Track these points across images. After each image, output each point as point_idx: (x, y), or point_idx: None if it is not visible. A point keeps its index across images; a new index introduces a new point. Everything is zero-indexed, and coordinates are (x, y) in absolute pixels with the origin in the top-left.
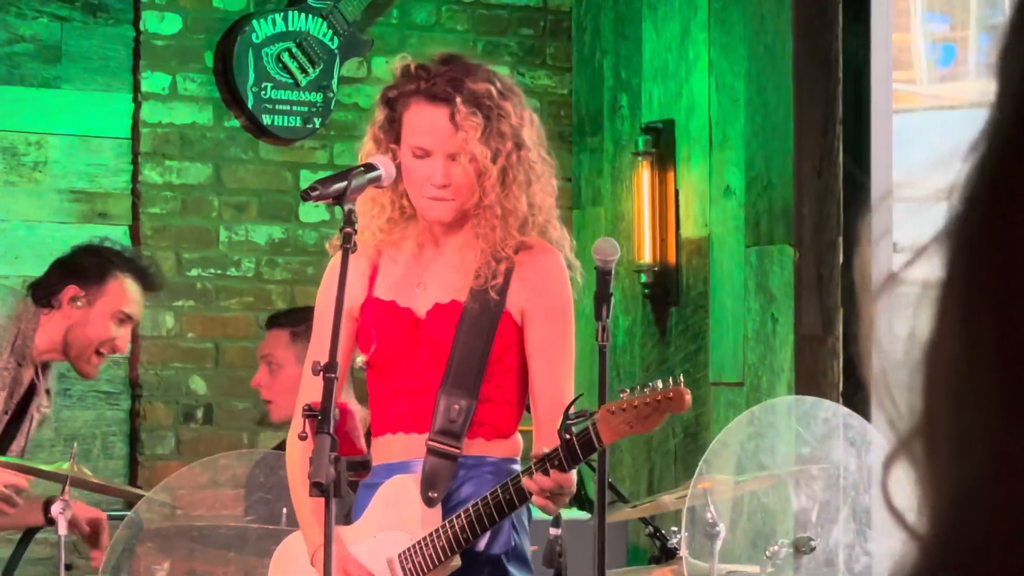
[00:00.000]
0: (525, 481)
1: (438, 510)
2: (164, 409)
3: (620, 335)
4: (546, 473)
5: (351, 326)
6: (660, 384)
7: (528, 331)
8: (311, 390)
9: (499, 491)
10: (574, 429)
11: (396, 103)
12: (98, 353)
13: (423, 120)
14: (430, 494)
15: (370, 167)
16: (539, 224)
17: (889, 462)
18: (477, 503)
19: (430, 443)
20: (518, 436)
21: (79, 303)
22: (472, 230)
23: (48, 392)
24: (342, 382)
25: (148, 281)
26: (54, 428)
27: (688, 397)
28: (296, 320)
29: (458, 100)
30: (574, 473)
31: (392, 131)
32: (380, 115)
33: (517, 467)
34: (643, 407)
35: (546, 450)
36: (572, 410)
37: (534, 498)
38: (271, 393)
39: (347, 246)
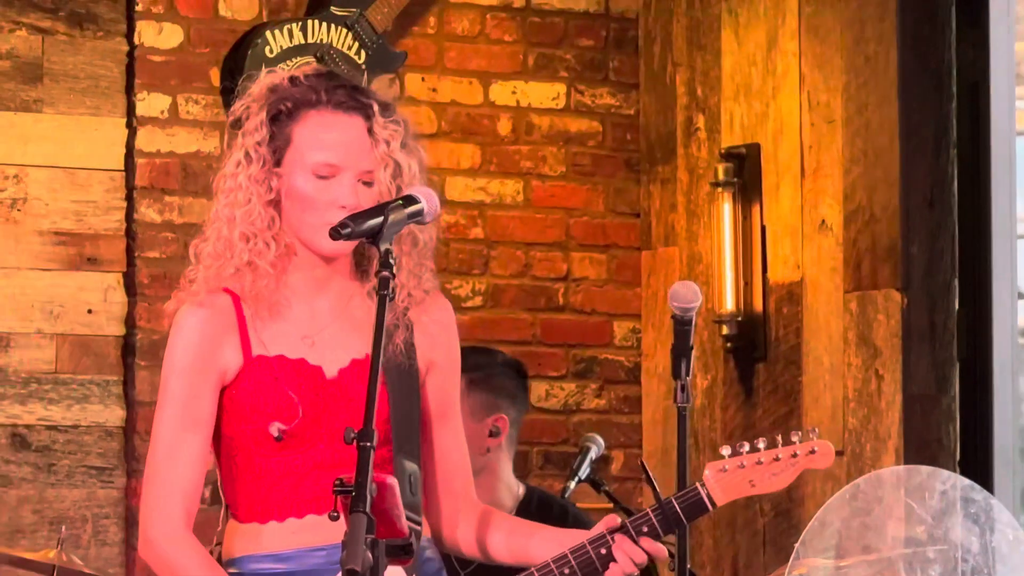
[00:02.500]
0: (616, 548)
1: None
2: None
3: (698, 395)
4: (634, 540)
5: (217, 393)
6: (794, 437)
7: (435, 388)
8: (181, 485)
9: (572, 559)
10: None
11: (285, 118)
12: None
13: (331, 131)
14: None
15: (410, 200)
16: (429, 266)
17: None
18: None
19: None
20: None
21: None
22: (356, 267)
23: None
24: (205, 465)
25: None
26: (36, 510)
27: (833, 451)
28: (473, 365)
29: (375, 107)
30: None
31: (276, 153)
32: (262, 132)
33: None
34: (772, 463)
35: (621, 518)
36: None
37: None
38: None
39: (384, 292)
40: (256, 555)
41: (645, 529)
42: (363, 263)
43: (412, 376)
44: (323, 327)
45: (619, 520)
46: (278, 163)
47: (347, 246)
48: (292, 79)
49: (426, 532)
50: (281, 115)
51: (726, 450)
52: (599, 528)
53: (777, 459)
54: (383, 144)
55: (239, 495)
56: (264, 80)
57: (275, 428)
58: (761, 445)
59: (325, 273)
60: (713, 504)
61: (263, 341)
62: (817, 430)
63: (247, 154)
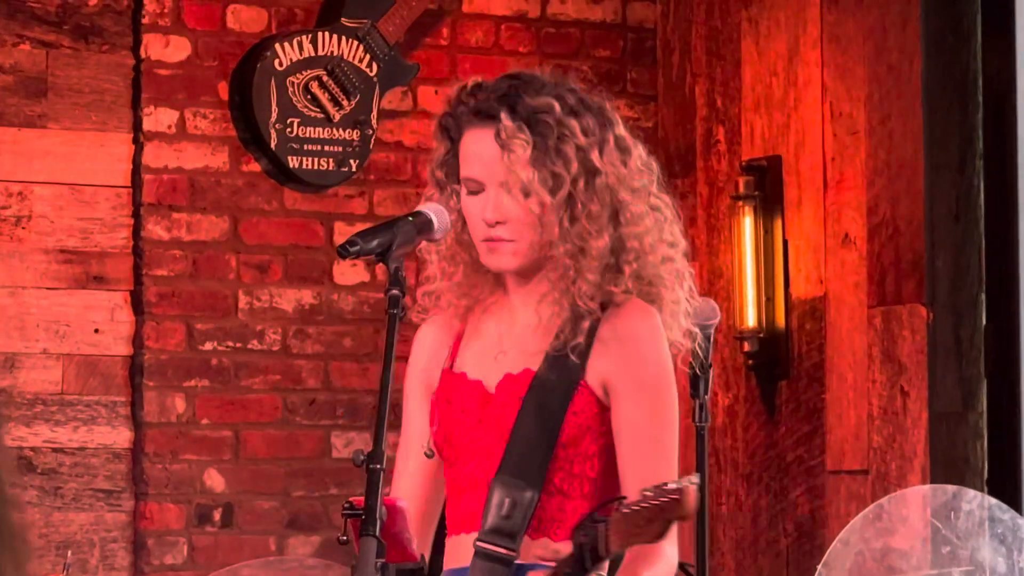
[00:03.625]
0: None
1: None
2: (174, 510)
3: (720, 414)
4: None
5: (427, 410)
6: (671, 485)
7: (616, 410)
8: (407, 482)
9: None
10: (581, 536)
11: (452, 132)
12: None
13: (472, 144)
14: None
15: (419, 216)
16: (636, 274)
17: None
18: None
19: (479, 544)
20: None
21: None
22: (545, 280)
23: None
24: (426, 480)
25: None
26: (43, 534)
27: (691, 502)
28: None
29: (503, 115)
30: None
31: (453, 167)
32: (440, 149)
33: None
34: (645, 510)
35: (563, 552)
36: (598, 511)
37: None
38: None
39: (395, 311)
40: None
41: (567, 572)
42: (569, 274)
43: (562, 393)
44: (512, 340)
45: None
46: (458, 178)
47: (508, 259)
48: (461, 88)
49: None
50: (449, 130)
51: (648, 493)
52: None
53: (647, 506)
54: (508, 154)
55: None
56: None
57: (426, 444)
58: (655, 489)
59: (514, 286)
60: (607, 550)
61: (464, 354)
62: (694, 479)
63: (430, 176)
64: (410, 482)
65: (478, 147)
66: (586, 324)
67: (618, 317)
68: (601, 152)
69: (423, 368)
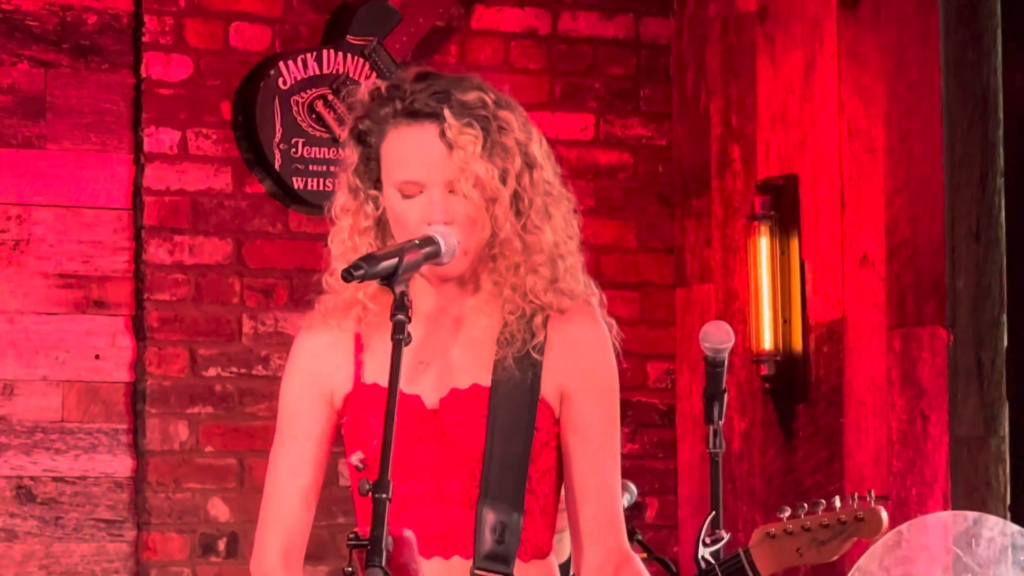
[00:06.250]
0: None
1: None
2: (178, 540)
3: (736, 438)
4: None
5: (329, 420)
6: (838, 502)
7: (574, 418)
8: (280, 515)
9: None
10: (708, 556)
11: (369, 136)
12: None
13: (407, 145)
14: None
15: (427, 240)
16: (568, 268)
17: None
18: None
19: (478, 572)
20: (553, 557)
21: None
22: (488, 281)
23: None
24: (317, 494)
25: None
26: (43, 566)
27: (885, 518)
28: None
29: (446, 112)
30: None
31: (370, 174)
32: (353, 155)
33: None
34: (820, 530)
35: None
36: (704, 532)
37: None
38: None
39: (400, 337)
40: None
41: None
42: (519, 271)
43: (526, 404)
44: (438, 353)
45: None
46: (376, 184)
47: (458, 266)
48: (373, 92)
49: None
50: (366, 134)
51: (786, 512)
52: None
53: (824, 526)
54: (459, 151)
55: (358, 529)
56: (355, 97)
57: (355, 458)
58: (820, 509)
59: (443, 294)
60: (757, 574)
61: (373, 368)
62: (872, 493)
63: (342, 182)
64: (298, 493)
65: (416, 147)
66: (539, 320)
67: (569, 323)
68: (534, 145)
69: (315, 377)
